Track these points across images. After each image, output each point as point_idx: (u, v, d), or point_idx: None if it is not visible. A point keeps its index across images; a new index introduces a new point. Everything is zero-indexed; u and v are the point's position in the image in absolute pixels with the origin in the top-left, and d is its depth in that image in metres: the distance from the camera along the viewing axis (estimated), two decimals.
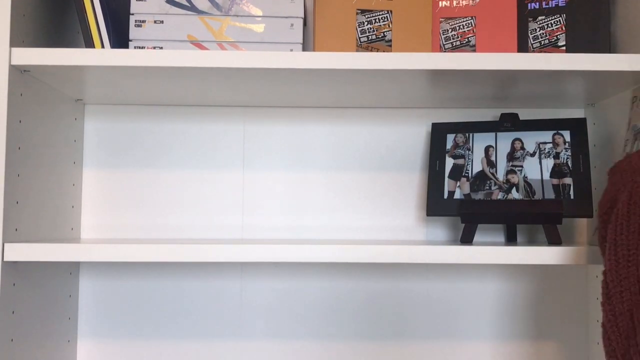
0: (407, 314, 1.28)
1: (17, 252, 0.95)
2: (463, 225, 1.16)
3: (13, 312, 0.99)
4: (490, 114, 1.30)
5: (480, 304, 1.28)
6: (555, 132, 1.14)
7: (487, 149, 1.18)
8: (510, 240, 1.21)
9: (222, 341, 1.28)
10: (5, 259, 0.95)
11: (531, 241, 1.28)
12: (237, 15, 1.07)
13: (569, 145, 1.13)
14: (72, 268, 1.24)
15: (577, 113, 1.29)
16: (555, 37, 1.14)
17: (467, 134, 1.19)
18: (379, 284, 1.28)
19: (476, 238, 1.28)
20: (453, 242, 1.16)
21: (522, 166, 1.15)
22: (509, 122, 1.18)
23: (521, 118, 1.28)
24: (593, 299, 1.25)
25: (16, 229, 1.00)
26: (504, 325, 1.28)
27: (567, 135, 1.14)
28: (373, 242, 1.10)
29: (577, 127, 1.14)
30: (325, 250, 0.97)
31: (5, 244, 0.95)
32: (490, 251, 0.97)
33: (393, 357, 1.28)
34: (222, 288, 1.28)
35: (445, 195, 1.17)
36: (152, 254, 0.96)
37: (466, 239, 1.13)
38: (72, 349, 1.24)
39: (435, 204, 1.18)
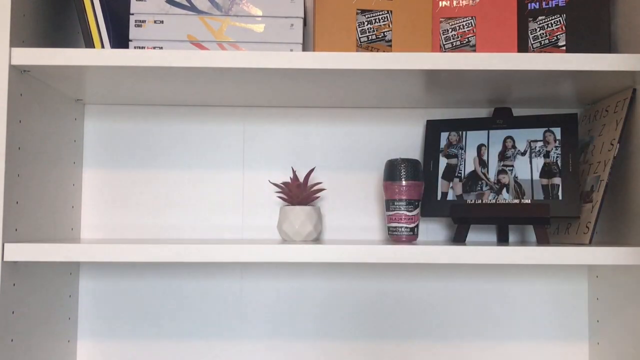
0: (407, 314, 1.28)
1: (17, 252, 0.95)
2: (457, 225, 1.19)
3: (13, 312, 0.99)
4: (489, 114, 1.30)
5: (479, 303, 1.28)
6: (546, 129, 1.16)
7: (479, 148, 1.19)
8: (502, 239, 1.22)
9: (222, 341, 1.28)
10: (5, 259, 0.95)
11: (523, 240, 1.28)
12: (237, 15, 1.07)
13: (559, 144, 1.14)
14: (72, 268, 1.24)
15: None
16: (555, 37, 1.14)
17: (460, 132, 1.21)
18: (378, 284, 1.28)
19: (469, 237, 1.29)
20: (452, 240, 1.16)
21: (512, 166, 1.16)
22: (501, 119, 1.19)
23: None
24: (593, 299, 1.25)
25: (16, 229, 1.00)
26: (503, 325, 1.28)
27: (557, 132, 1.15)
28: (374, 242, 1.10)
29: (568, 123, 1.15)
30: (326, 251, 0.97)
31: (5, 244, 0.95)
32: (490, 252, 0.97)
33: (393, 357, 1.28)
34: (222, 288, 1.28)
35: (439, 197, 1.20)
36: (152, 254, 0.96)
37: (459, 238, 1.16)
38: (72, 349, 1.24)
39: (429, 205, 1.20)
